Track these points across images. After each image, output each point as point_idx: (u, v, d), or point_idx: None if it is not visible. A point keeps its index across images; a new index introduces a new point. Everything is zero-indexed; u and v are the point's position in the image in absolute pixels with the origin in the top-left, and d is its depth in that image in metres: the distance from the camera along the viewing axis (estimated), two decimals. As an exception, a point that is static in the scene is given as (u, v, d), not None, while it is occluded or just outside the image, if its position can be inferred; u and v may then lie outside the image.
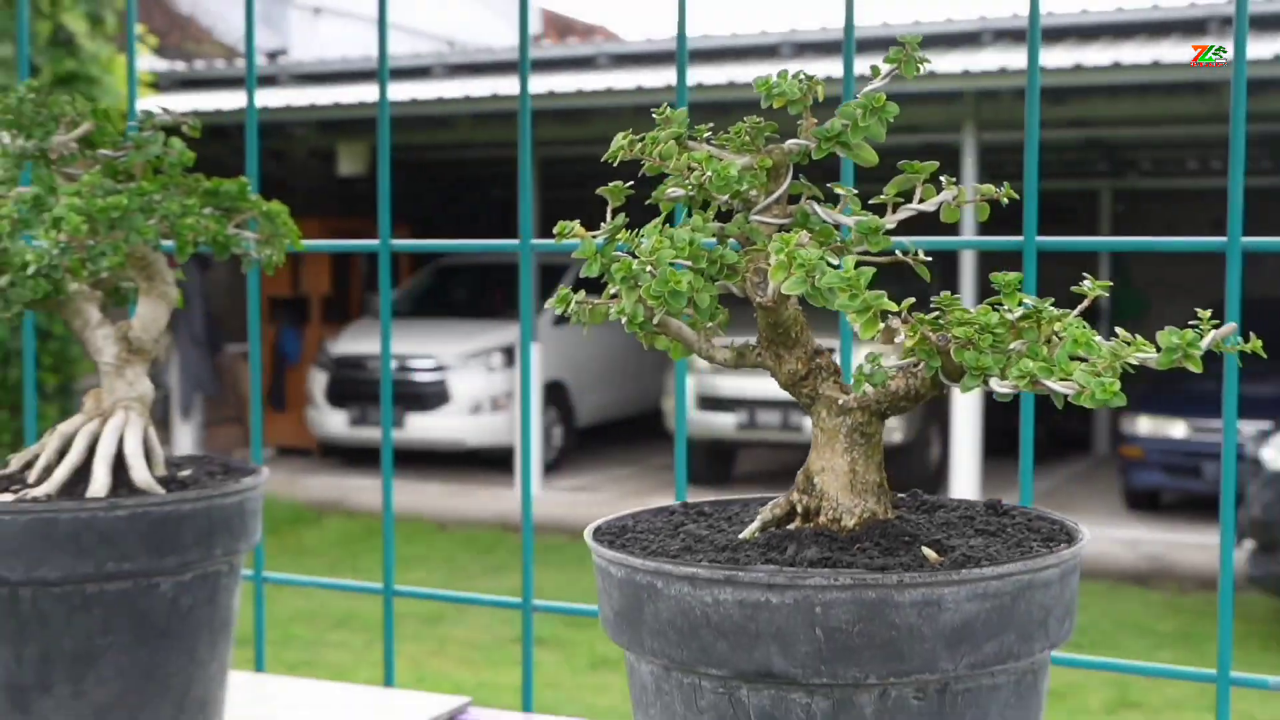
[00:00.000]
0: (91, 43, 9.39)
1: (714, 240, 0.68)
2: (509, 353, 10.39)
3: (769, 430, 9.48)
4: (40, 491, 0.85)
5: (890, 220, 0.68)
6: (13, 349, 9.04)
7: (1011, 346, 0.64)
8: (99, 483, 0.86)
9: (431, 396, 9.80)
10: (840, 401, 0.68)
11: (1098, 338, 0.63)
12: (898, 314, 0.62)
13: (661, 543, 0.70)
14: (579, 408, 11.04)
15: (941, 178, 0.70)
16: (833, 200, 0.72)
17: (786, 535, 0.69)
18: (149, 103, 9.64)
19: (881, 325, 0.60)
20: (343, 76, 10.48)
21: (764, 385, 9.40)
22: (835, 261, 0.62)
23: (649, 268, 0.63)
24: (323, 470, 10.21)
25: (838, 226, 0.68)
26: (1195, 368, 0.63)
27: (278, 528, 7.63)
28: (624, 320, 0.66)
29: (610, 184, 0.72)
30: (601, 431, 11.15)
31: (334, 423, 9.86)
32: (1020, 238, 1.04)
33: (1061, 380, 0.59)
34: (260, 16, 11.76)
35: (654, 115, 0.70)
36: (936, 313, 0.66)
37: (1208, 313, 0.65)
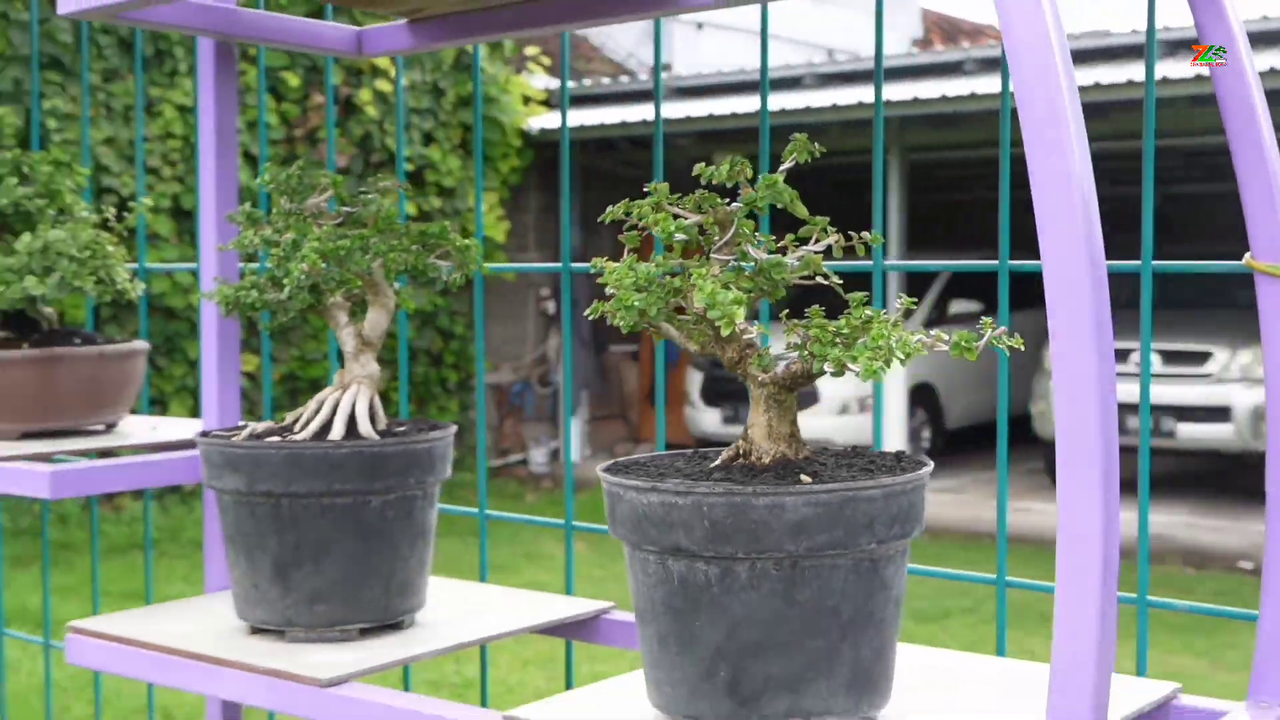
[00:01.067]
0: (490, 65, 10.32)
1: (675, 270, 1.04)
2: (876, 355, 10.59)
3: (1138, 436, 9.33)
4: (298, 436, 1.30)
5: (792, 257, 1.03)
6: (419, 348, 10.05)
7: (859, 343, 0.97)
8: (336, 431, 1.30)
9: (801, 396, 10.19)
10: (759, 379, 1.03)
11: (897, 337, 0.95)
12: (748, 320, 0.97)
13: (647, 471, 1.07)
14: (949, 410, 11.17)
15: (828, 228, 1.04)
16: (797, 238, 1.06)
17: (724, 468, 1.04)
18: (543, 120, 10.48)
19: (737, 326, 0.95)
20: (720, 89, 11.02)
21: (1134, 390, 9.30)
22: (727, 287, 0.97)
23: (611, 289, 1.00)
24: (697, 465, 10.77)
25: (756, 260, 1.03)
26: (971, 358, 0.95)
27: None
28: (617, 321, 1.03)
29: (629, 233, 1.09)
30: (971, 434, 11.26)
31: (708, 420, 10.41)
32: (996, 261, 1.34)
33: (851, 364, 0.93)
34: (645, 33, 12.49)
35: (645, 189, 1.07)
36: (807, 321, 1.00)
37: (990, 320, 0.96)
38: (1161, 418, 9.12)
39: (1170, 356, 9.41)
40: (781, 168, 1.04)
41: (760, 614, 0.96)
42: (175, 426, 1.71)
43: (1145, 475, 1.35)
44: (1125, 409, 9.31)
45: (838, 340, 0.98)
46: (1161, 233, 14.07)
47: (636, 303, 1.00)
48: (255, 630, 1.34)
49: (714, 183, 1.05)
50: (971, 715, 1.07)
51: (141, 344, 1.65)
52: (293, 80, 8.97)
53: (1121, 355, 9.37)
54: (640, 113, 10.34)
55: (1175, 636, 6.26)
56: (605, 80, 11.69)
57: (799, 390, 1.05)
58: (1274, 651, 1.12)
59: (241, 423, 1.40)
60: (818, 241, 1.04)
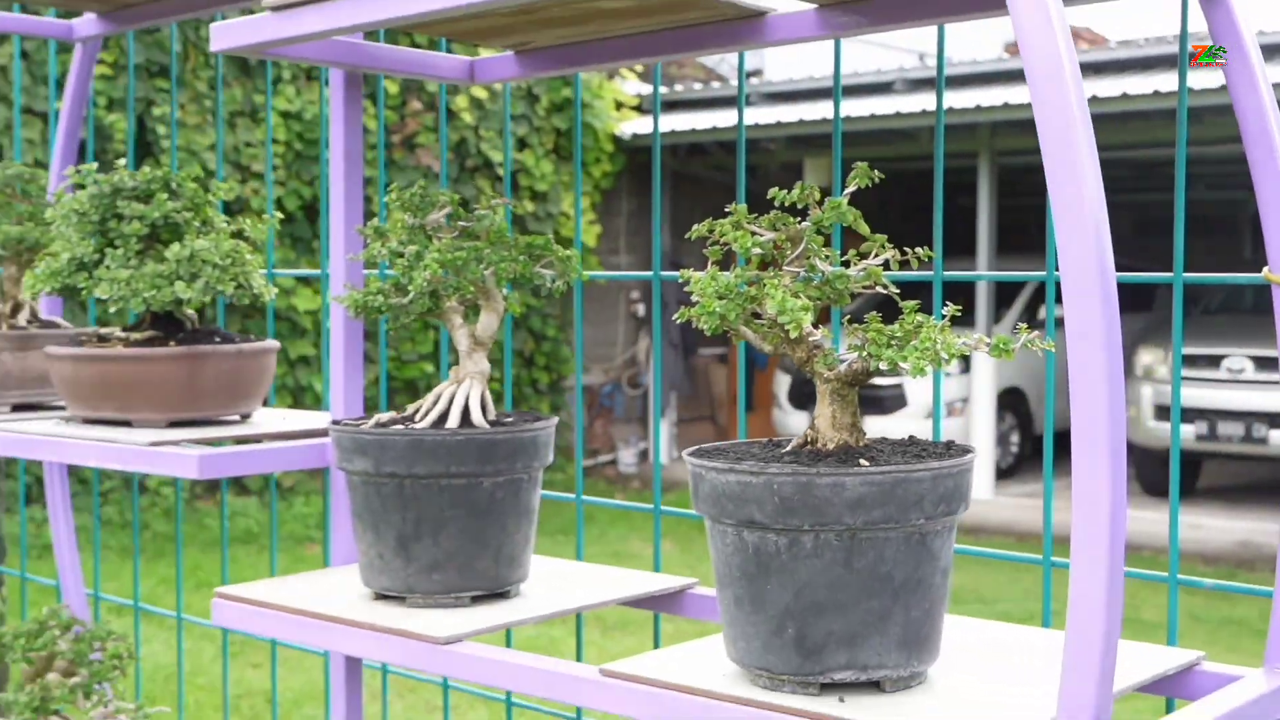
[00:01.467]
0: (584, 72, 10.52)
1: (752, 280, 1.20)
2: (967, 359, 10.66)
3: (1230, 442, 9.33)
4: (419, 425, 1.48)
5: (855, 269, 1.18)
6: (518, 350, 10.26)
7: (910, 345, 1.13)
8: (452, 420, 1.48)
9: (890, 400, 10.27)
10: (825, 376, 1.19)
11: (944, 340, 1.10)
12: (815, 326, 1.13)
13: (726, 455, 1.22)
14: (1038, 415, 11.17)
15: (886, 245, 1.19)
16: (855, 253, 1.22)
17: (794, 452, 1.20)
18: (634, 125, 10.66)
19: (804, 330, 1.11)
20: (811, 94, 11.14)
21: (1226, 396, 9.29)
22: (794, 296, 1.13)
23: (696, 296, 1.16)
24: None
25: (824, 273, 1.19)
26: (1009, 359, 1.10)
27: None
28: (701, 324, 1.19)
29: (711, 247, 1.25)
30: (1062, 439, 11.27)
31: (795, 422, 10.52)
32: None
33: (902, 364, 1.08)
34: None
35: (727, 210, 1.23)
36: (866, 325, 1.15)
37: (1024, 325, 1.11)
38: (1254, 424, 9.10)
39: (1263, 363, 9.37)
40: (845, 191, 1.20)
41: (822, 578, 1.12)
42: (302, 418, 1.90)
43: (1175, 476, 1.48)
44: (1218, 414, 9.30)
45: (891, 343, 1.13)
46: (1240, 238, 13.99)
47: (718, 309, 1.16)
48: (379, 596, 1.51)
49: (785, 204, 1.21)
50: (1012, 676, 1.22)
51: (273, 343, 1.84)
52: (391, 87, 9.23)
53: (1213, 361, 9.37)
54: (731, 118, 10.48)
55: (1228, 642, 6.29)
56: (696, 85, 11.85)
57: (860, 386, 1.20)
58: None
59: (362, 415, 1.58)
60: (876, 256, 1.20)
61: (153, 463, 1.63)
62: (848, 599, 1.12)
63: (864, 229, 1.22)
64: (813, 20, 1.47)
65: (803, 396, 10.48)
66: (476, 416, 1.49)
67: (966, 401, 10.43)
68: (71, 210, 1.77)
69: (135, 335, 1.79)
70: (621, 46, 1.61)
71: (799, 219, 1.23)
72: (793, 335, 1.11)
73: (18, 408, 2.02)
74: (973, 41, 13.10)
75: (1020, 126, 9.72)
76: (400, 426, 1.47)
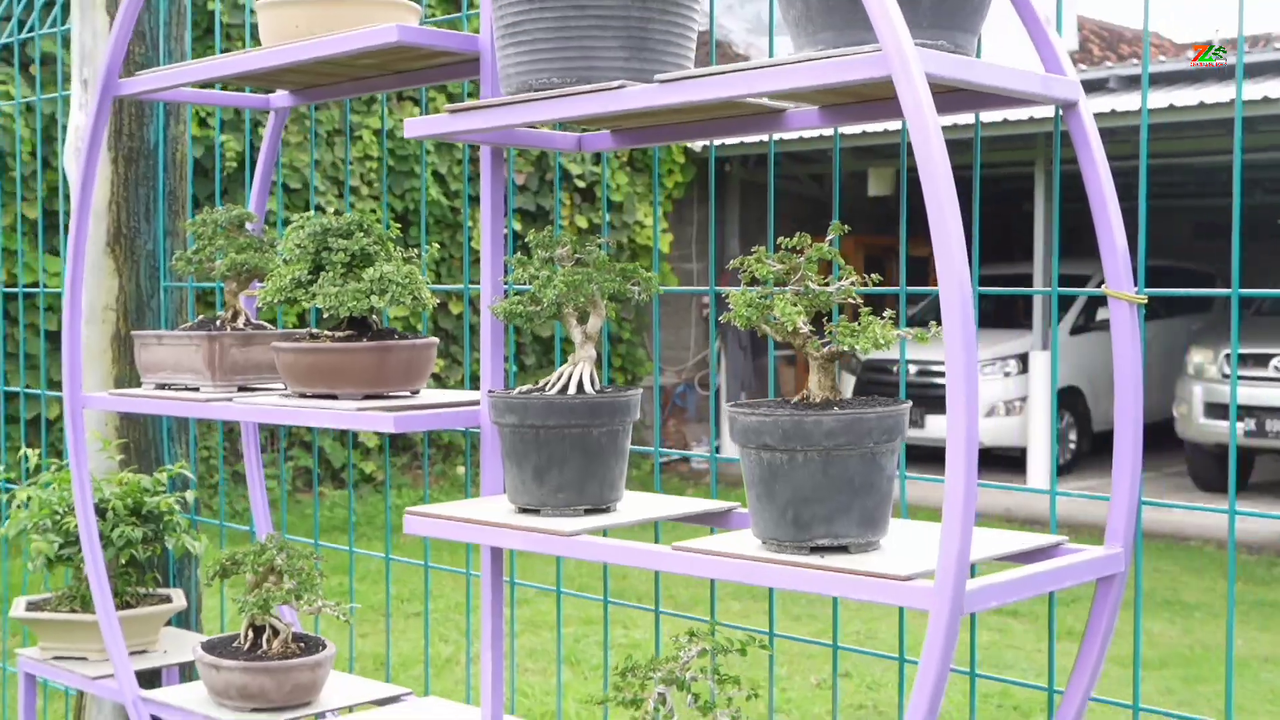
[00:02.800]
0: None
1: (769, 294, 1.92)
2: (1024, 359, 11.27)
3: (1278, 438, 9.88)
4: (549, 392, 2.21)
5: (834, 287, 1.90)
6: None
7: (863, 334, 1.84)
8: (571, 389, 2.21)
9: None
10: (814, 355, 1.91)
11: (883, 332, 1.82)
12: (812, 323, 1.84)
13: (752, 405, 1.94)
14: (1095, 413, 11.75)
15: (853, 270, 1.91)
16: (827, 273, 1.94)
17: (794, 404, 1.92)
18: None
19: (800, 325, 1.83)
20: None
21: (1274, 394, 9.86)
22: (790, 303, 1.85)
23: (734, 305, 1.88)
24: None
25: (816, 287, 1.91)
26: (924, 342, 1.81)
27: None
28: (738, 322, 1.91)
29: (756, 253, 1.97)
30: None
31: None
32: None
33: (856, 346, 1.80)
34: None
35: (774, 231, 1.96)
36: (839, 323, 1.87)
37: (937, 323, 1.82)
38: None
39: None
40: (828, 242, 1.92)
41: (809, 481, 1.84)
42: (451, 394, 2.64)
43: (1233, 470, 2.19)
44: (1266, 411, 9.87)
45: (851, 334, 1.85)
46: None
47: (745, 313, 1.88)
48: (521, 510, 2.25)
49: (786, 251, 1.93)
50: (930, 548, 1.93)
51: (434, 339, 2.59)
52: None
53: (1262, 360, 9.95)
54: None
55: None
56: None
57: (838, 360, 1.92)
58: (1120, 504, 1.96)
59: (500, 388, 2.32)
60: (847, 279, 1.92)
61: (358, 422, 2.38)
62: (825, 494, 1.84)
63: (840, 261, 1.94)
64: (816, 116, 2.19)
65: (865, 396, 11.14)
66: (587, 386, 2.22)
67: (1025, 400, 11.04)
68: (295, 244, 2.52)
69: (338, 334, 2.55)
70: (686, 130, 2.34)
71: (799, 254, 1.95)
72: (790, 329, 1.83)
73: (241, 389, 2.79)
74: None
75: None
76: (536, 394, 2.21)
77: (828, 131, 10.98)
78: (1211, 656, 6.57)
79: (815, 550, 1.86)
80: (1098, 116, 9.70)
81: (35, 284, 8.60)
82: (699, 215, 12.36)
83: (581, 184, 11.23)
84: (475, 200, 10.86)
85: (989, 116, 10.13)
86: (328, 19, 2.51)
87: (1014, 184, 12.83)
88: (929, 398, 10.57)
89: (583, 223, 11.08)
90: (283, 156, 9.46)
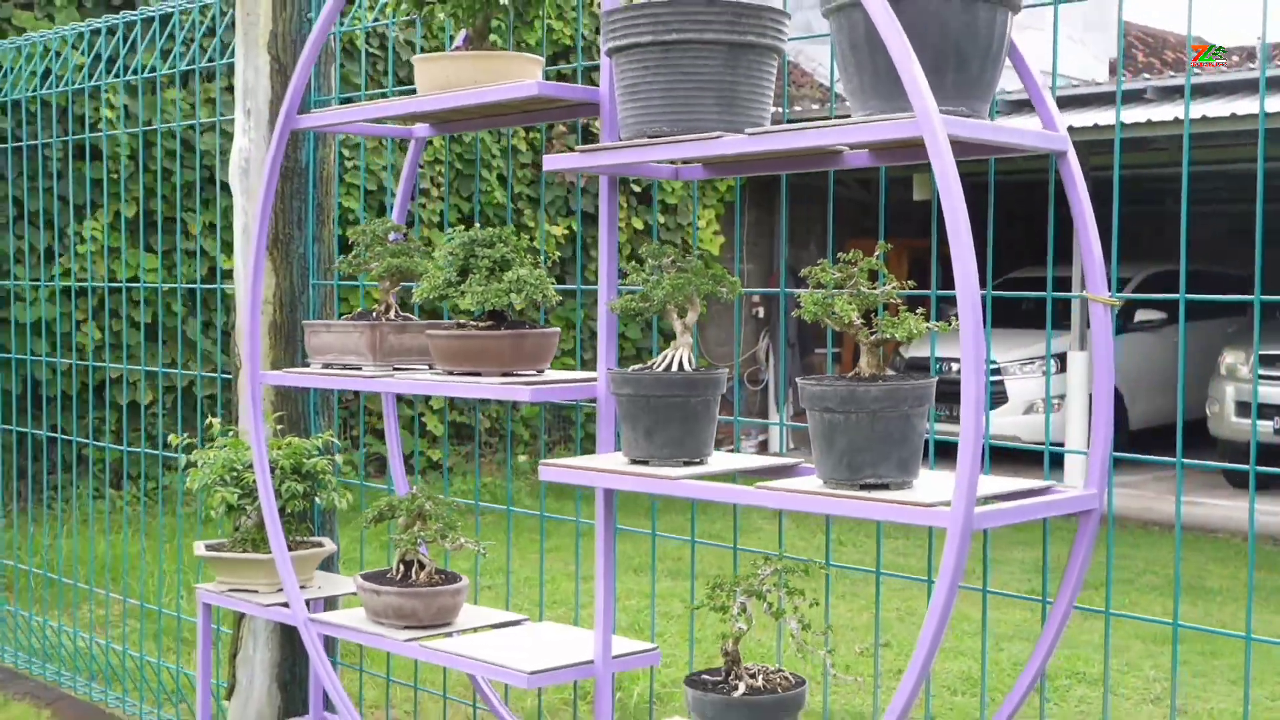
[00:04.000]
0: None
1: (831, 295, 2.59)
2: (1061, 359, 11.88)
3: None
4: (657, 370, 2.89)
5: (880, 289, 2.57)
6: (644, 348, 11.69)
7: (901, 325, 2.51)
8: (674, 367, 2.89)
9: (990, 397, 11.55)
10: (865, 341, 2.58)
11: (915, 325, 2.48)
12: (863, 317, 2.50)
13: (818, 380, 2.61)
14: (1132, 411, 12.33)
15: (892, 277, 2.57)
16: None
17: (849, 379, 2.59)
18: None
19: (853, 319, 2.49)
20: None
21: (1301, 394, 10.43)
22: (843, 302, 2.52)
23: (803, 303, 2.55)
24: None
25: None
26: (944, 330, 2.48)
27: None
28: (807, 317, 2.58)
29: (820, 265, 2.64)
30: (1152, 436, 12.46)
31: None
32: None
33: (895, 333, 2.46)
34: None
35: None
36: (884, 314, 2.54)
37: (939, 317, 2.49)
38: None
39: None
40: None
41: (860, 436, 2.50)
42: (568, 374, 3.32)
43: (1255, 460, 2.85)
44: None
45: (893, 325, 2.51)
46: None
47: (812, 309, 2.55)
48: (633, 461, 2.92)
49: (823, 283, 2.60)
50: (947, 483, 2.58)
51: (557, 329, 3.27)
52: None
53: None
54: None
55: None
56: (814, 106, 13.19)
57: (882, 347, 2.58)
58: (1096, 457, 2.62)
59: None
60: (890, 285, 2.58)
61: (501, 393, 3.07)
62: (871, 445, 2.50)
63: (883, 269, 2.60)
64: (867, 158, 2.86)
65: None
66: (686, 366, 2.90)
67: (1063, 398, 11.64)
68: (448, 252, 3.21)
69: (480, 324, 3.23)
70: (763, 165, 3.02)
71: (854, 265, 2.61)
72: (845, 321, 2.50)
73: (397, 369, 3.47)
74: (1077, 63, 14.28)
75: (1108, 145, 10.90)
76: (647, 371, 2.88)
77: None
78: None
79: (864, 487, 2.53)
80: (1135, 126, 10.32)
81: (135, 279, 9.35)
82: (749, 217, 13.02)
83: (637, 188, 11.91)
84: (535, 201, 11.54)
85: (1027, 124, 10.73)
86: (473, 71, 3.19)
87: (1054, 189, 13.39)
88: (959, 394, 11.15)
89: (638, 224, 11.76)
90: (361, 161, 10.17)
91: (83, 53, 5.56)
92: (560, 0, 11.36)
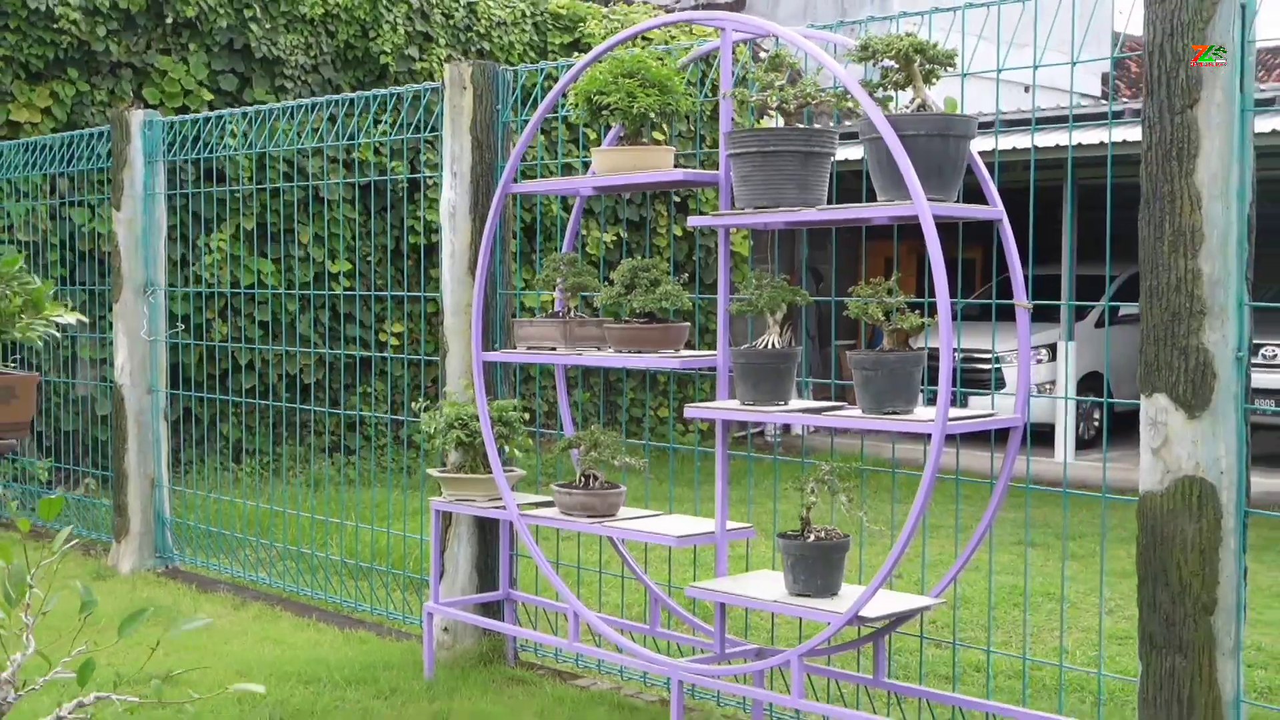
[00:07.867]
0: (740, 115, 14.02)
1: (867, 300, 4.67)
2: (1052, 349, 13.98)
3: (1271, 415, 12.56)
4: (760, 347, 4.99)
5: (895, 299, 4.66)
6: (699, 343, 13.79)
7: (907, 320, 4.60)
8: (770, 345, 4.99)
9: (989, 383, 13.63)
10: (887, 331, 4.67)
11: (918, 319, 4.56)
12: (886, 315, 4.57)
13: (861, 355, 4.69)
14: (1117, 394, 14.42)
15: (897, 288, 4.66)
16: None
17: (877, 352, 4.68)
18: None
19: (879, 317, 4.57)
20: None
21: (1266, 378, 12.52)
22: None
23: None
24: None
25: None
26: (920, 332, 4.57)
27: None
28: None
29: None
30: (1135, 416, 14.50)
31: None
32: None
33: (903, 324, 4.55)
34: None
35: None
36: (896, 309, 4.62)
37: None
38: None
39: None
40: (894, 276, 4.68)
41: (886, 384, 4.59)
42: (699, 352, 5.40)
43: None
44: (1259, 394, 12.54)
45: (905, 320, 4.60)
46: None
47: (855, 310, 4.65)
48: (744, 405, 5.00)
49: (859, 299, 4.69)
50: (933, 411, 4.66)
51: (688, 323, 5.38)
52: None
53: (1253, 349, 12.63)
54: (858, 150, 13.87)
55: None
56: (831, 123, 15.28)
57: (903, 335, 4.67)
58: (1021, 396, 4.72)
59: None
60: (902, 296, 4.67)
61: (659, 364, 5.17)
62: (891, 389, 4.59)
63: (897, 289, 4.69)
64: (886, 220, 4.96)
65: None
66: (777, 344, 4.98)
67: (1053, 384, 13.76)
68: (620, 274, 5.30)
69: (638, 320, 5.32)
70: (817, 223, 5.12)
71: (881, 283, 4.70)
72: (876, 318, 4.60)
73: (580, 351, 5.55)
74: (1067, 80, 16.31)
75: (1095, 163, 12.99)
76: (753, 348, 4.97)
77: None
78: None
79: (886, 414, 4.61)
80: (1132, 144, 12.36)
81: (253, 285, 11.44)
82: (773, 222, 15.13)
83: (677, 198, 14.01)
84: (589, 211, 13.60)
85: (1023, 143, 12.82)
86: (630, 159, 5.29)
87: (1049, 196, 15.49)
88: (972, 381, 13.26)
89: (678, 231, 13.84)
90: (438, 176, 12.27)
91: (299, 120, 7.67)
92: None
